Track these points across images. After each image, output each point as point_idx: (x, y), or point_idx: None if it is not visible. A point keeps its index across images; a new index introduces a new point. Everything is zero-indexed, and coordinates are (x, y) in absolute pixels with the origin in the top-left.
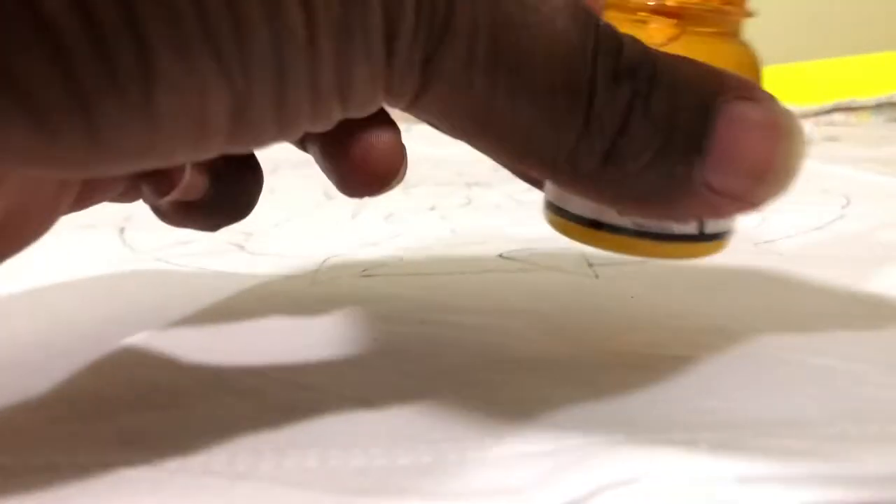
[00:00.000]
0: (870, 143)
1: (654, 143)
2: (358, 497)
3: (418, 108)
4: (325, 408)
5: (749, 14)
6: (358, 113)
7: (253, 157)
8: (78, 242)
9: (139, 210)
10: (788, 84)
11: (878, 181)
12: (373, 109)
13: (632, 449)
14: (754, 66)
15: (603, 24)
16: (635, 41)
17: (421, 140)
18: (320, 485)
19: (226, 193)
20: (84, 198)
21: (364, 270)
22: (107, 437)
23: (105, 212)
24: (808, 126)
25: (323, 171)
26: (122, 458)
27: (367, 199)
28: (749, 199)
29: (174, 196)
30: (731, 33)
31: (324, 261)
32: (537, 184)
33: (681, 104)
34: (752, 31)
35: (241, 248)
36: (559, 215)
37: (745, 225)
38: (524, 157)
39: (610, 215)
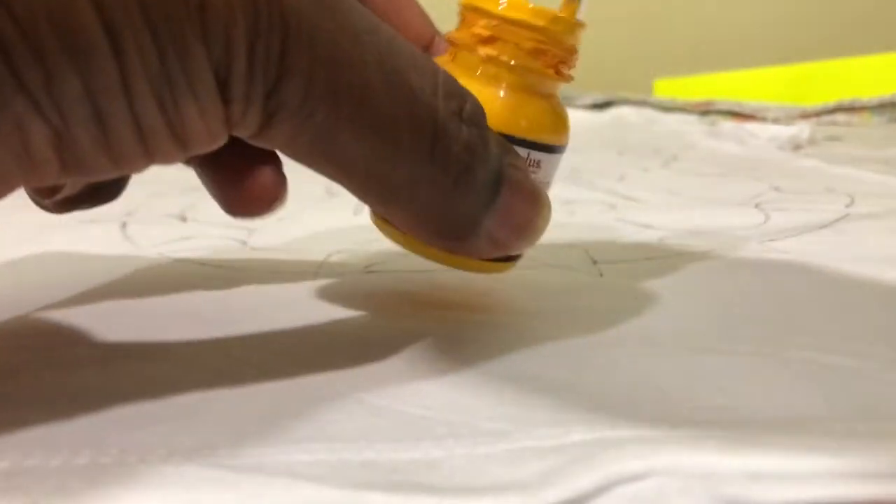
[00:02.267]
0: (872, 142)
1: (489, 182)
2: (365, 491)
3: (265, 139)
4: (330, 402)
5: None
6: (204, 145)
7: None
8: (80, 237)
9: (141, 205)
10: (791, 84)
11: (882, 180)
12: (219, 141)
13: (640, 445)
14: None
15: (443, 72)
16: (473, 96)
17: None
18: (327, 479)
19: (103, 184)
20: None
21: (367, 266)
22: (109, 432)
23: (107, 206)
24: (809, 126)
25: (208, 191)
26: (125, 451)
27: None
28: (508, 250)
29: (56, 199)
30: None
31: (327, 257)
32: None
33: (502, 154)
34: (756, 32)
35: (244, 243)
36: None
37: (750, 223)
38: (366, 186)
39: None
